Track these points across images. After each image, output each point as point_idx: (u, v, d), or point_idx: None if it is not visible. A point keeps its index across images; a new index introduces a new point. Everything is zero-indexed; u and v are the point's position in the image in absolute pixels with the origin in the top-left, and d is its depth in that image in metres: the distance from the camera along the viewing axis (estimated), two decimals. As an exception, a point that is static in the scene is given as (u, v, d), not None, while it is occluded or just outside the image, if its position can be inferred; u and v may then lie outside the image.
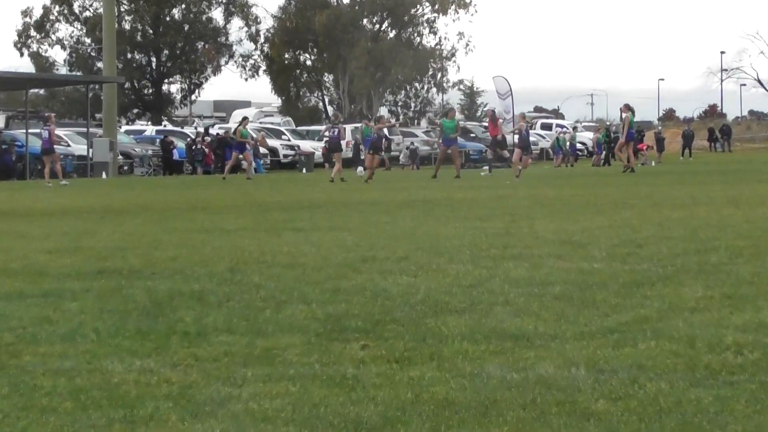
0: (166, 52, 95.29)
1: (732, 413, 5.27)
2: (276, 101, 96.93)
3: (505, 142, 49.13)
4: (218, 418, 5.35)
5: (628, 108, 45.08)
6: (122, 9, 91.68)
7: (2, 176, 51.47)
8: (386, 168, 55.42)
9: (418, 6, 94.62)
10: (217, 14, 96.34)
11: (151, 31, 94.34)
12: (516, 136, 42.65)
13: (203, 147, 60.39)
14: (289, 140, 68.90)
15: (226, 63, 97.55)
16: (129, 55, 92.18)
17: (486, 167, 48.10)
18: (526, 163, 40.53)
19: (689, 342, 6.89)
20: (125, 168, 59.17)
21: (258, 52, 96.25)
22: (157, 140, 63.90)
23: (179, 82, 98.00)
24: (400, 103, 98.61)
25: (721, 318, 7.71)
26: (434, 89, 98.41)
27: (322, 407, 5.53)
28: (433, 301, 8.66)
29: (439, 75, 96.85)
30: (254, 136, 58.48)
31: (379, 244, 13.24)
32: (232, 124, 74.25)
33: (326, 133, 42.60)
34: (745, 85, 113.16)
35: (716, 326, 7.40)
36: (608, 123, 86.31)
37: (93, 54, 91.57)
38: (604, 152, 66.39)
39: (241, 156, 46.92)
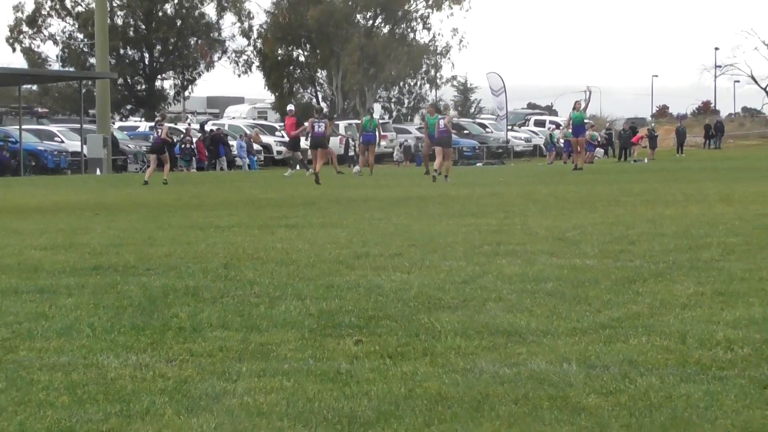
0: (158, 47, 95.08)
1: (722, 408, 5.33)
2: (269, 97, 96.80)
3: (298, 143, 45.95)
4: (213, 413, 5.40)
5: (576, 105, 45.57)
6: (114, 4, 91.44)
7: (-4, 173, 51.39)
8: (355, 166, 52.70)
9: (412, 1, 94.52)
10: (210, 9, 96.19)
11: (143, 27, 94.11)
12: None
13: (191, 145, 60.08)
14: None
15: (219, 59, 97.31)
16: (121, 51, 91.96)
17: (290, 170, 44.33)
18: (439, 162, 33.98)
19: (680, 338, 6.95)
20: (119, 164, 59.04)
21: (251, 48, 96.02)
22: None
23: (172, 78, 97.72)
24: (393, 100, 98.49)
25: (712, 314, 7.77)
26: (428, 85, 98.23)
27: (316, 402, 5.58)
28: (427, 297, 8.71)
29: (432, 71, 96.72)
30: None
31: (373, 241, 13.27)
32: (226, 120, 74.30)
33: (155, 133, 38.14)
34: (738, 81, 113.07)
35: (707, 322, 7.46)
36: (609, 121, 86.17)
37: (85, 49, 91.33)
38: (596, 149, 66.45)
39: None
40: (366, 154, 43.01)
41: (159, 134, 38.24)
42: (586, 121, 50.53)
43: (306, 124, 37.53)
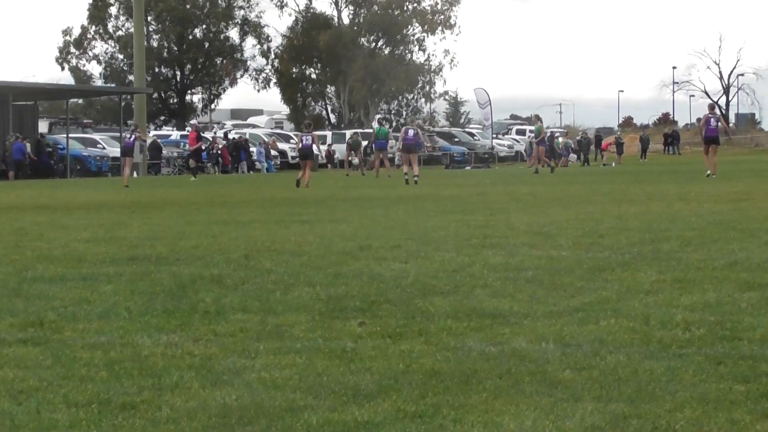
0: (189, 66, 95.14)
1: (681, 382, 5.29)
2: (285, 110, 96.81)
3: (199, 153, 44.58)
4: (234, 386, 5.36)
5: (538, 118, 46.01)
6: (151, 29, 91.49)
7: (45, 175, 51.40)
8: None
9: (410, 27, 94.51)
10: (234, 33, 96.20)
11: (176, 48, 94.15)
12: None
13: (216, 151, 60.01)
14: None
15: (242, 76, 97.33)
16: (156, 69, 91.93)
17: (194, 177, 42.46)
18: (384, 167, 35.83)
19: (644, 320, 6.91)
20: (152, 169, 59.05)
21: (269, 67, 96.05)
22: (181, 143, 63.79)
23: (200, 93, 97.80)
24: (393, 112, 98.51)
25: (672, 299, 7.73)
26: (423, 99, 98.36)
27: (324, 376, 5.54)
28: (422, 284, 8.67)
29: (427, 87, 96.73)
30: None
31: (375, 235, 13.24)
32: (247, 130, 74.26)
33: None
34: (694, 96, 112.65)
35: (668, 306, 7.42)
36: (581, 130, 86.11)
37: (125, 68, 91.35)
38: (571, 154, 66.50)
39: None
40: (368, 160, 42.98)
41: (130, 139, 37.08)
42: (560, 130, 50.64)
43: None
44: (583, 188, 26.33)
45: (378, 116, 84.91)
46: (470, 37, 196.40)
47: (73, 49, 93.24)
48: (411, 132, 33.81)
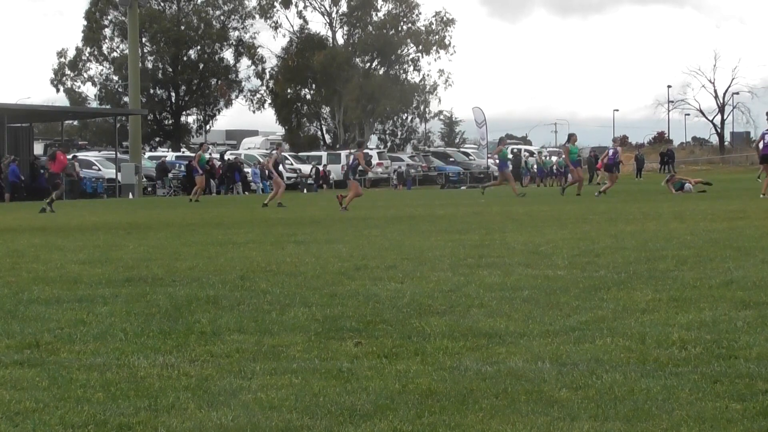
0: (183, 87, 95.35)
1: (677, 400, 5.30)
2: (280, 130, 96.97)
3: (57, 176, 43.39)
4: (231, 407, 5.36)
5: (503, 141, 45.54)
6: (145, 50, 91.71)
7: (39, 197, 51.32)
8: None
9: (404, 47, 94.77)
10: (228, 54, 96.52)
11: (170, 70, 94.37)
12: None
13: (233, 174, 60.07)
14: (291, 164, 68.92)
15: (236, 97, 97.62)
16: (151, 91, 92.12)
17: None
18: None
19: (640, 338, 6.91)
20: (149, 189, 59.06)
21: (264, 88, 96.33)
22: (177, 165, 63.82)
23: (195, 114, 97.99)
24: (388, 132, 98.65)
25: (668, 318, 7.73)
26: (418, 119, 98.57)
27: (321, 397, 5.54)
28: (418, 304, 8.67)
29: (422, 107, 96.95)
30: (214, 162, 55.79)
31: (370, 255, 13.24)
32: (243, 151, 74.36)
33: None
34: (689, 114, 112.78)
35: (664, 325, 7.43)
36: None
37: (120, 90, 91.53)
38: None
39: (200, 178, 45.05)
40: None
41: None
42: (555, 150, 50.57)
43: None
44: (579, 207, 26.34)
45: (373, 136, 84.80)
46: (465, 56, 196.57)
47: (68, 71, 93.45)
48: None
